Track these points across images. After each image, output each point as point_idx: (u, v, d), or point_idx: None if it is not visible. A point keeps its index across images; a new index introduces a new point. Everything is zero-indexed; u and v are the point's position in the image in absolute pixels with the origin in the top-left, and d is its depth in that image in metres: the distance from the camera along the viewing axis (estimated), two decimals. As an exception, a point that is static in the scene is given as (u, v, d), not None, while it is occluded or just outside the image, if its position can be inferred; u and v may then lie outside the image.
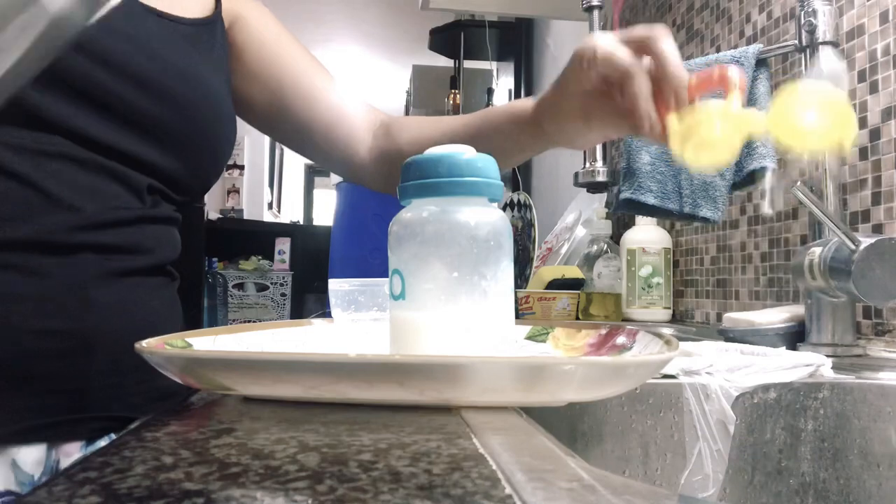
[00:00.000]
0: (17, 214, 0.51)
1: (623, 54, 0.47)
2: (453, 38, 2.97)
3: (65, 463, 0.56)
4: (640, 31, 0.47)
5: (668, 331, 0.91)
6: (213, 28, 0.68)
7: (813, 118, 0.41)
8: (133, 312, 0.59)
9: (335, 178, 2.16)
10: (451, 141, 0.67)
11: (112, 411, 0.57)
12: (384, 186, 0.78)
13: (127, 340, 0.56)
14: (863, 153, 0.81)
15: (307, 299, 4.07)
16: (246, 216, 5.65)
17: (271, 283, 3.89)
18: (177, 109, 0.60)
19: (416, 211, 0.39)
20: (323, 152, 0.78)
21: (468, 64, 3.24)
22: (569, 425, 0.55)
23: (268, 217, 6.24)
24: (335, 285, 0.48)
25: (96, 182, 0.56)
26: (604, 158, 0.92)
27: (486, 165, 0.39)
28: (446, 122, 0.72)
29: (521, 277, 1.65)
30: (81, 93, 0.55)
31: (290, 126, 0.77)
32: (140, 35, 0.59)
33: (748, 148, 0.79)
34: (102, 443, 0.58)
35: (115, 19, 0.57)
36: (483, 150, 0.40)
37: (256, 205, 6.16)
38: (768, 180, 0.43)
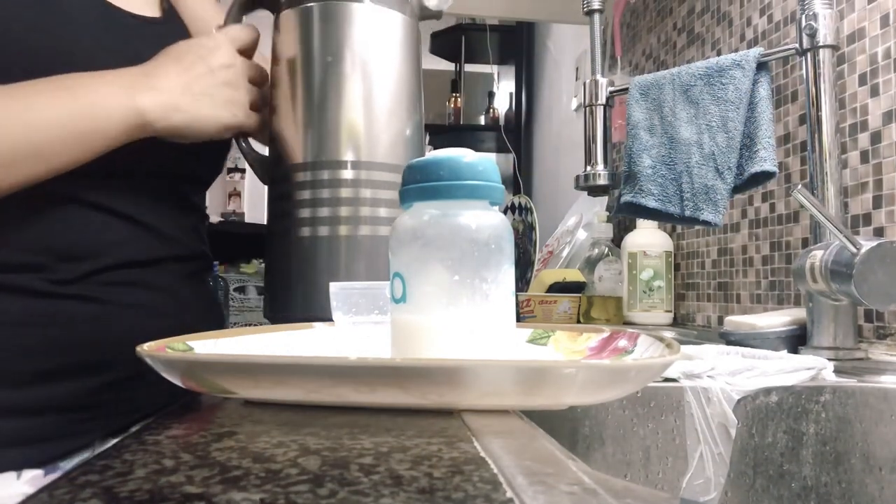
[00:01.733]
0: (122, 240, 0.63)
1: None
2: (454, 41, 2.98)
3: None
4: None
5: (669, 334, 0.90)
6: (161, 28, 0.71)
7: None
8: (209, 307, 0.74)
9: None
10: None
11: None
12: None
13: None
14: (864, 156, 0.81)
15: (308, 302, 4.06)
16: (247, 219, 5.65)
17: (272, 287, 3.89)
18: None
19: (417, 214, 0.39)
20: None
21: (469, 67, 3.25)
22: (570, 429, 0.55)
23: (269, 220, 6.23)
24: (336, 288, 0.48)
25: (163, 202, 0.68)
26: (605, 162, 0.92)
27: (488, 168, 0.39)
28: None
29: (523, 281, 1.65)
30: None
31: None
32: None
33: (749, 151, 0.79)
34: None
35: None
36: None
37: (258, 208, 6.15)
38: None
